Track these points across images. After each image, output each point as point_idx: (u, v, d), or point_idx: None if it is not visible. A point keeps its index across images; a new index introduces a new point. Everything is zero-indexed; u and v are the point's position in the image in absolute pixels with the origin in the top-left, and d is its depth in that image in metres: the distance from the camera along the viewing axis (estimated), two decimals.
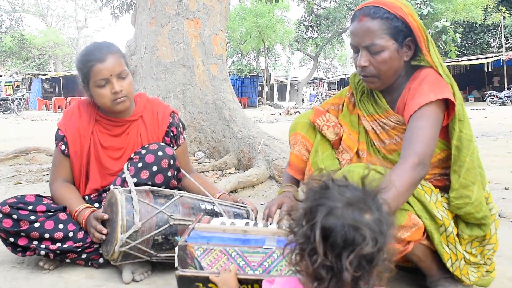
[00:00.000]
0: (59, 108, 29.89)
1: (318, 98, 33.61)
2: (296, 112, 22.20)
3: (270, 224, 1.89)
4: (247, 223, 1.82)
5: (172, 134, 2.43)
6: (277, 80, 45.60)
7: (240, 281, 1.54)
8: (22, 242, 2.06)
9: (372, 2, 1.79)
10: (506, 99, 24.41)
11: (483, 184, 1.78)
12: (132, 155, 2.21)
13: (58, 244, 2.07)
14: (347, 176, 1.21)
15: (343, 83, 39.86)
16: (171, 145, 2.40)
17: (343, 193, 1.11)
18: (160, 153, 2.16)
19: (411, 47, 1.83)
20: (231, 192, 3.62)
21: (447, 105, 1.76)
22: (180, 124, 2.51)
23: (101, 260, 2.14)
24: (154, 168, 2.14)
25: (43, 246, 2.05)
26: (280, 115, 20.96)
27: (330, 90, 39.65)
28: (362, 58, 1.82)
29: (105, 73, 2.15)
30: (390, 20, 1.75)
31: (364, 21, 1.78)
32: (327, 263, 1.06)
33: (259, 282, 1.52)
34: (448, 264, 1.72)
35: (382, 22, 1.75)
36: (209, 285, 1.57)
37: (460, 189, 1.73)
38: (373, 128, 1.96)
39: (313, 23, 34.40)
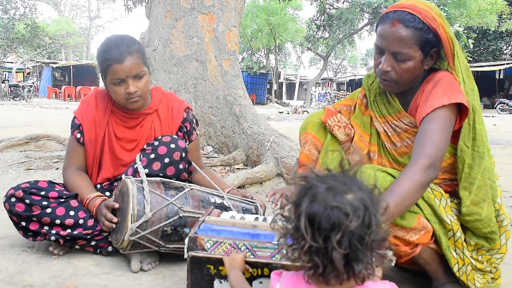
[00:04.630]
0: (68, 97, 30.04)
1: (326, 98, 33.53)
2: (304, 111, 22.17)
3: (265, 217, 1.90)
4: (256, 218, 1.84)
5: (185, 130, 2.45)
6: (286, 78, 45.57)
7: (251, 264, 1.55)
8: (33, 226, 2.10)
9: (408, 7, 1.76)
10: None
11: (494, 199, 1.79)
12: (145, 146, 2.23)
13: (69, 231, 2.10)
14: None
15: (352, 84, 39.73)
16: (184, 140, 2.41)
17: (324, 181, 1.14)
18: (172, 146, 2.18)
19: (434, 57, 1.83)
20: (239, 187, 3.63)
21: (460, 110, 1.77)
22: (194, 120, 2.53)
23: (109, 248, 2.17)
24: (166, 160, 2.16)
25: (53, 231, 2.09)
26: (288, 113, 20.93)
27: (339, 91, 39.52)
28: (386, 62, 1.81)
29: (121, 74, 2.17)
30: (423, 31, 1.74)
31: (397, 28, 1.75)
32: (318, 248, 1.08)
33: (268, 266, 1.54)
34: (455, 269, 1.73)
35: (415, 33, 1.74)
36: (220, 267, 1.59)
37: (471, 206, 1.73)
38: (385, 130, 1.97)
39: (325, 23, 34.24)
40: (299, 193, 1.15)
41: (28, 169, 4.37)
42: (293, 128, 9.62)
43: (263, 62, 37.21)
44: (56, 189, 2.20)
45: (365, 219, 1.08)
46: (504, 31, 28.83)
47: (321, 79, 42.40)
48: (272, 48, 35.33)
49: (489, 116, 19.61)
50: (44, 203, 2.10)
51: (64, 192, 2.21)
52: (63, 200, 2.16)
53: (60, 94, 31.72)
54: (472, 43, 23.37)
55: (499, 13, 26.71)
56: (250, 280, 1.55)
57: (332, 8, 33.87)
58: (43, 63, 36.65)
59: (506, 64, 26.93)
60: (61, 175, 2.42)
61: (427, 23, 1.74)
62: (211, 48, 4.83)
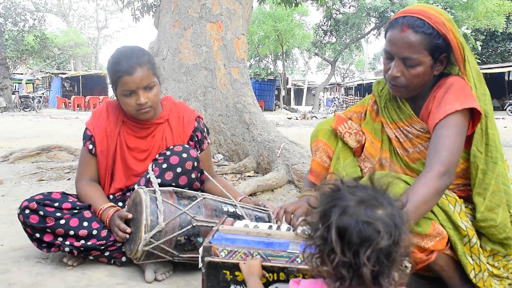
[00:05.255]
0: (77, 107, 30.25)
1: (335, 103, 33.49)
2: (312, 116, 22.15)
3: (279, 225, 1.90)
4: (270, 227, 1.84)
5: (196, 139, 2.46)
6: (294, 84, 45.53)
7: (267, 269, 1.55)
8: (47, 238, 2.11)
9: (417, 13, 1.76)
10: None
11: (508, 204, 1.77)
12: (157, 156, 2.24)
13: (82, 241, 2.11)
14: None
15: (360, 88, 39.66)
16: (195, 149, 2.42)
17: (354, 192, 1.14)
18: (184, 155, 2.19)
19: (443, 62, 1.83)
20: (250, 195, 3.63)
21: (472, 115, 1.76)
22: (205, 129, 2.54)
23: (123, 259, 2.17)
24: (178, 170, 2.17)
25: (67, 242, 2.10)
26: (297, 119, 20.92)
27: (347, 96, 39.41)
28: (396, 68, 1.81)
29: (132, 85, 2.18)
30: (433, 36, 1.74)
31: (406, 33, 1.75)
32: (346, 261, 1.08)
33: (284, 270, 1.54)
34: (471, 275, 1.71)
35: (424, 38, 1.74)
36: (236, 273, 1.58)
37: (486, 212, 1.72)
38: (396, 136, 1.96)
39: (331, 28, 34.25)
40: (329, 203, 1.15)
41: (40, 180, 4.40)
42: (302, 134, 9.62)
43: (270, 69, 37.24)
44: (69, 200, 2.21)
45: (395, 237, 1.08)
46: None
47: (329, 84, 42.35)
48: (279, 54, 35.36)
49: (500, 118, 19.46)
50: (58, 214, 2.11)
51: (78, 203, 2.23)
52: (76, 211, 2.17)
53: (69, 104, 31.92)
54: (480, 45, 23.21)
55: (507, 14, 26.57)
56: (266, 285, 1.55)
57: (338, 13, 33.88)
58: (53, 73, 36.93)
59: None
60: (73, 185, 2.43)
61: (436, 29, 1.74)
62: (220, 56, 4.85)
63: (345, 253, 1.08)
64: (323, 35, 35.56)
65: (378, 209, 1.10)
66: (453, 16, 23.11)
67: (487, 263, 1.77)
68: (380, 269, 1.08)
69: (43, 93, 30.92)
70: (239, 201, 2.34)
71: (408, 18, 1.76)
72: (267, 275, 1.55)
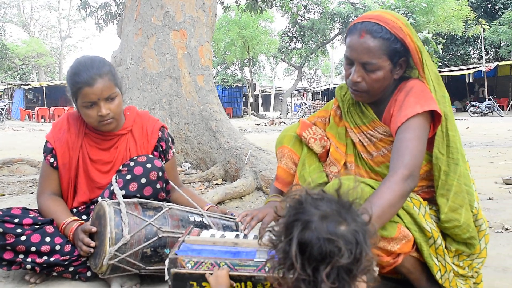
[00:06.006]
0: (42, 118, 29.59)
1: (302, 108, 33.75)
2: (281, 122, 22.26)
3: (245, 234, 1.89)
4: (237, 236, 1.82)
5: (161, 149, 2.43)
6: (261, 90, 45.74)
7: (234, 279, 1.53)
8: (7, 256, 2.03)
9: (374, 18, 1.79)
10: (487, 109, 24.81)
11: (471, 204, 1.80)
12: (121, 167, 2.20)
13: (45, 258, 2.04)
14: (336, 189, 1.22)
15: (327, 93, 40.13)
16: (160, 159, 2.38)
17: (318, 206, 1.13)
18: (149, 165, 2.15)
19: (403, 66, 1.86)
20: (219, 203, 3.61)
21: (433, 117, 1.79)
22: (170, 138, 2.50)
23: (88, 273, 2.11)
24: (143, 180, 2.13)
25: (29, 259, 2.02)
26: (265, 125, 20.99)
27: (314, 100, 39.78)
28: (356, 73, 1.83)
29: (92, 97, 2.13)
30: (390, 41, 1.76)
31: (365, 38, 1.77)
32: (305, 277, 1.07)
33: (252, 279, 1.53)
34: (437, 276, 1.74)
35: (382, 43, 1.76)
36: (203, 283, 1.56)
37: (449, 213, 1.74)
38: (360, 140, 1.98)
39: (297, 34, 34.62)
40: (292, 216, 1.13)
41: (1, 195, 4.26)
42: (270, 140, 9.64)
43: (237, 75, 37.34)
44: (30, 215, 2.14)
45: (356, 254, 1.07)
46: (471, 36, 29.59)
47: (296, 90, 42.70)
48: (246, 60, 35.50)
49: (462, 119, 20.01)
50: (18, 230, 2.04)
51: (39, 218, 2.16)
52: (38, 226, 2.10)
53: (33, 115, 31.23)
54: (441, 48, 23.84)
55: (465, 19, 27.39)
56: None
57: (303, 19, 34.28)
58: (15, 85, 36.07)
59: (475, 68, 27.62)
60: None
61: (394, 33, 1.77)
62: (184, 64, 4.82)
63: (305, 268, 1.07)
64: (289, 41, 35.90)
65: (340, 225, 1.09)
66: (414, 21, 23.71)
67: (453, 263, 1.80)
68: (339, 285, 1.07)
69: (5, 105, 30.09)
70: (206, 210, 2.31)
71: (366, 24, 1.79)
72: (234, 284, 1.54)
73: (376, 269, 1.49)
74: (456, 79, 29.75)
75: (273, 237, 1.18)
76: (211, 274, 1.54)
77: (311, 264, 1.06)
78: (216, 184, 4.26)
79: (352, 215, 1.13)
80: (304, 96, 45.80)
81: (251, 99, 35.69)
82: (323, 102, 35.41)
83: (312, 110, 31.87)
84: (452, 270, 1.77)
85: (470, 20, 28.03)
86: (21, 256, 2.03)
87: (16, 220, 2.07)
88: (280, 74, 61.37)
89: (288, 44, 36.08)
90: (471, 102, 26.46)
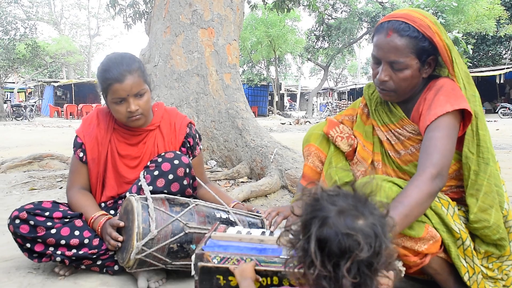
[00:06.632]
0: (70, 115, 30.15)
1: (328, 108, 33.58)
2: (306, 121, 22.17)
3: (271, 231, 1.89)
4: (263, 233, 1.83)
5: (188, 145, 2.45)
6: (287, 89, 45.65)
7: (260, 273, 1.54)
8: (38, 248, 2.08)
9: (402, 17, 1.78)
10: None
11: (501, 205, 1.77)
12: (149, 163, 2.23)
13: (74, 251, 2.08)
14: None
15: (353, 93, 39.78)
16: (187, 156, 2.40)
17: (334, 202, 1.12)
18: (176, 162, 2.17)
19: (431, 65, 1.84)
20: (244, 201, 3.62)
21: (463, 116, 1.76)
22: (197, 135, 2.52)
23: (116, 267, 2.15)
24: (170, 176, 2.15)
25: (59, 252, 2.07)
26: (290, 124, 20.94)
27: (340, 100, 39.53)
28: (384, 72, 1.82)
29: (122, 93, 2.16)
30: (418, 39, 1.75)
31: (392, 37, 1.76)
32: (326, 274, 1.06)
33: (278, 274, 1.53)
34: (465, 278, 1.71)
35: (410, 41, 1.75)
36: (229, 277, 1.57)
37: (479, 213, 1.72)
38: (388, 139, 1.96)
39: (324, 33, 34.36)
40: (309, 213, 1.13)
41: (32, 189, 4.37)
42: (296, 139, 9.63)
43: (263, 74, 37.32)
44: (60, 209, 2.19)
45: (376, 247, 1.07)
46: (502, 36, 28.87)
47: (322, 89, 42.47)
48: (272, 59, 35.44)
49: (492, 121, 19.58)
50: (49, 223, 2.09)
51: (69, 212, 2.20)
52: (67, 220, 2.15)
53: (62, 112, 31.82)
54: (471, 48, 23.40)
55: (497, 18, 26.77)
56: None
57: (330, 18, 34.02)
58: (45, 82, 36.81)
59: (506, 68, 26.98)
60: (65, 194, 2.40)
61: (422, 31, 1.75)
62: (212, 62, 4.85)
63: (325, 265, 1.06)
64: (316, 40, 35.67)
65: (358, 219, 1.09)
66: (444, 21, 23.28)
67: (481, 265, 1.77)
68: (361, 280, 1.06)
69: (35, 102, 30.79)
70: (232, 207, 2.32)
71: (393, 23, 1.78)
72: (260, 279, 1.54)
73: (403, 269, 1.49)
74: (486, 80, 29.13)
75: (292, 236, 1.18)
76: (236, 267, 1.55)
77: (331, 260, 1.06)
78: (242, 182, 4.27)
79: (369, 209, 1.12)
80: (330, 95, 45.54)
81: (276, 98, 35.65)
82: (349, 102, 35.16)
83: (338, 110, 31.67)
84: (481, 272, 1.74)
85: (502, 19, 27.38)
86: (51, 248, 2.07)
87: (47, 214, 2.11)
88: (306, 73, 61.24)
89: (314, 43, 35.86)
90: (502, 104, 25.87)
